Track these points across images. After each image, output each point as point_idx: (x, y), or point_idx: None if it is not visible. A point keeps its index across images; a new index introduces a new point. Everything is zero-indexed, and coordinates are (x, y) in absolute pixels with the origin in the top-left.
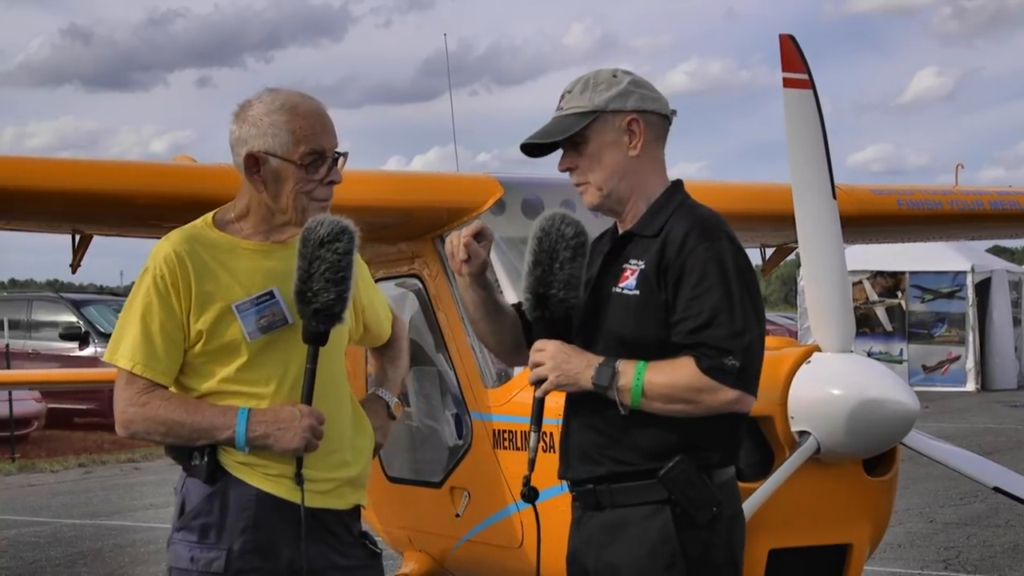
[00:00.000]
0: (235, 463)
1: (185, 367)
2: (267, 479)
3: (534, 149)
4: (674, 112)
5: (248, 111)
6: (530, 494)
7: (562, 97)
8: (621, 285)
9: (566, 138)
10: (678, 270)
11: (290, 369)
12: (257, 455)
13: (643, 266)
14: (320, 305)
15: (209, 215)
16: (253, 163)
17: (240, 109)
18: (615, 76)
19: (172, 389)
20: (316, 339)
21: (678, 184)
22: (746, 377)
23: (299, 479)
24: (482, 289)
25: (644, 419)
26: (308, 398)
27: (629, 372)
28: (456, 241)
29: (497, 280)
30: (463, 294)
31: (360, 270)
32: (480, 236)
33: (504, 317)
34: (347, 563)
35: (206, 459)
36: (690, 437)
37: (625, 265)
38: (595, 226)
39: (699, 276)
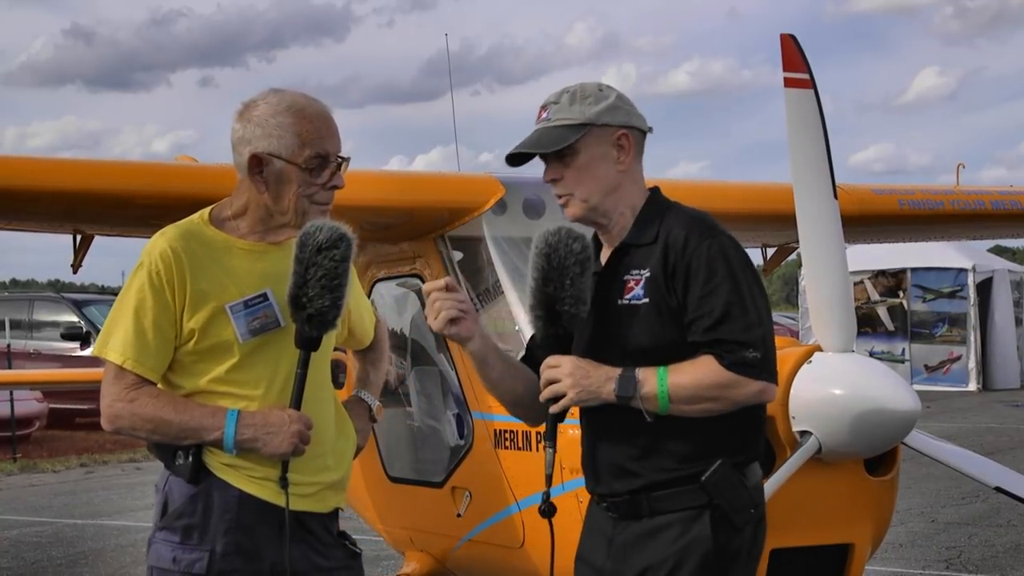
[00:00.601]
0: (220, 464)
1: (174, 364)
2: (251, 481)
3: (514, 158)
4: (650, 129)
5: (253, 111)
6: (548, 510)
7: (544, 108)
8: (627, 296)
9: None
10: (684, 271)
11: (280, 371)
12: (243, 457)
13: (648, 273)
14: (314, 311)
15: (205, 211)
16: (256, 164)
17: (244, 108)
18: (601, 90)
19: (160, 386)
20: (308, 344)
21: (657, 191)
22: (768, 367)
23: (284, 483)
24: (494, 355)
25: (674, 425)
26: (297, 403)
27: (651, 379)
28: (433, 299)
29: (498, 279)
30: (480, 375)
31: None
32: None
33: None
34: (328, 564)
35: (190, 459)
36: (722, 435)
37: (627, 276)
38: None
39: (707, 274)
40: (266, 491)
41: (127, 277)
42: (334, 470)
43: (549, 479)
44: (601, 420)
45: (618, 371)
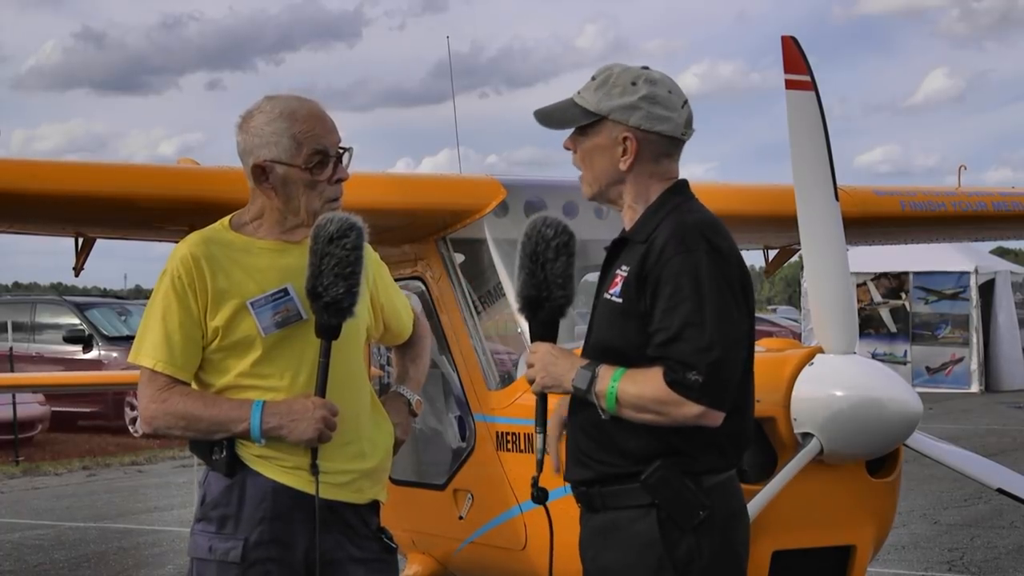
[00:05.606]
0: (252, 456)
1: (203, 363)
2: (284, 471)
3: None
4: (686, 133)
5: (250, 122)
6: (539, 495)
7: (589, 80)
8: (610, 291)
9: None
10: (655, 281)
11: (304, 363)
12: (274, 448)
13: (627, 274)
14: (330, 299)
15: (226, 219)
16: (261, 173)
17: (243, 120)
18: (634, 84)
19: (193, 386)
20: (328, 333)
21: (678, 186)
22: (711, 392)
23: (314, 469)
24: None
25: (629, 423)
26: (322, 391)
27: (606, 378)
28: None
29: (499, 281)
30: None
31: (380, 270)
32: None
33: None
34: (362, 555)
35: (225, 453)
36: (674, 442)
37: (617, 271)
38: (597, 229)
39: (673, 288)
40: (298, 480)
41: (155, 284)
42: (369, 458)
43: (540, 464)
44: (577, 409)
45: (583, 363)
